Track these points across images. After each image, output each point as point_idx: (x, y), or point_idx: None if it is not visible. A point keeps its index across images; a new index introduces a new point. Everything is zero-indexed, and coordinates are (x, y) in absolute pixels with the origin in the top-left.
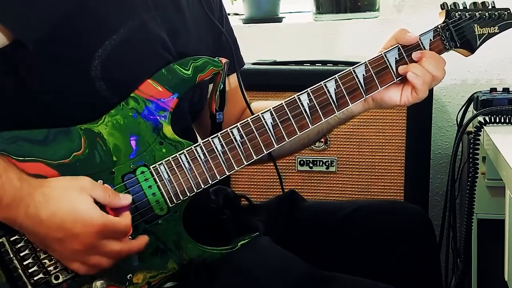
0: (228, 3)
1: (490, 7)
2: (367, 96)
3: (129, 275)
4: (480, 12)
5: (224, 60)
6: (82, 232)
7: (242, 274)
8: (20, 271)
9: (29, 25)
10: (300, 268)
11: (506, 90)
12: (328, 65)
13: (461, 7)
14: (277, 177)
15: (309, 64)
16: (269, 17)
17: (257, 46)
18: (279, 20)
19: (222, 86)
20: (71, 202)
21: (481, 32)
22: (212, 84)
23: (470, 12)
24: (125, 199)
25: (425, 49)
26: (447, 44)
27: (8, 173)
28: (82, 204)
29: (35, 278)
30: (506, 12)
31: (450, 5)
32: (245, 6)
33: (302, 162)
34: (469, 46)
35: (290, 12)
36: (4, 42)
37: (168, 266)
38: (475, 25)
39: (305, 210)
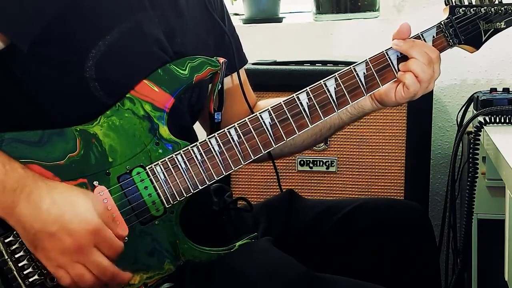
0: (228, 3)
1: (496, 2)
2: (368, 94)
3: None
4: (485, 7)
5: (221, 60)
6: (77, 229)
7: (238, 275)
8: (15, 272)
9: (23, 28)
10: (296, 270)
11: (506, 90)
12: (328, 65)
13: (466, 3)
14: (276, 179)
15: (309, 64)
16: (269, 17)
17: (257, 46)
18: (279, 20)
19: (220, 86)
20: (73, 198)
21: (486, 28)
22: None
23: (475, 8)
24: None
25: None
26: (450, 40)
27: (12, 163)
28: (83, 203)
29: (30, 280)
30: None
31: (454, 1)
32: (245, 6)
33: (302, 162)
34: (474, 42)
35: (290, 12)
36: (0, 46)
37: (165, 267)
38: (480, 20)
39: (304, 210)
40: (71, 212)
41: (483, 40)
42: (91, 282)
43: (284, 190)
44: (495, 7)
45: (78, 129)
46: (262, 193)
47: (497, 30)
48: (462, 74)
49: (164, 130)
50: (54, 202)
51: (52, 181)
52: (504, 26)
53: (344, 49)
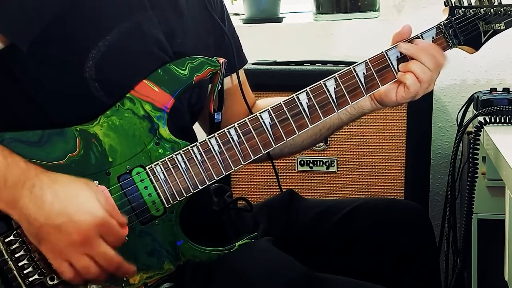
0: (228, 3)
1: (496, 3)
2: (367, 95)
3: (125, 276)
4: (485, 8)
5: (221, 60)
6: (83, 220)
7: (238, 275)
8: (15, 272)
9: (23, 28)
10: (296, 270)
11: (506, 90)
12: (328, 65)
13: (465, 4)
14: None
15: (309, 64)
16: (269, 17)
17: (257, 46)
18: (279, 20)
19: (220, 86)
20: (76, 190)
21: (486, 29)
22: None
23: (474, 9)
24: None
25: None
26: (450, 41)
27: (14, 156)
28: (86, 195)
29: (30, 279)
30: None
31: (454, 2)
32: (245, 6)
33: (302, 162)
34: (474, 43)
35: (290, 12)
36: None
37: (165, 267)
38: (480, 21)
39: (304, 210)
40: (75, 204)
41: (482, 41)
42: (96, 273)
43: (284, 190)
44: (495, 8)
45: (78, 129)
46: (262, 193)
47: (497, 31)
48: (462, 74)
49: (164, 130)
50: (57, 195)
51: (55, 173)
52: (504, 27)
53: (344, 49)
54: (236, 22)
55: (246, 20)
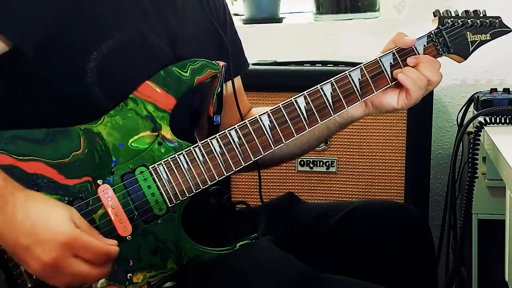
0: (228, 3)
1: (481, 15)
2: (362, 100)
3: (129, 275)
4: (472, 19)
5: (221, 63)
6: (49, 240)
7: (239, 274)
8: (21, 268)
9: (29, 34)
10: (296, 269)
11: (506, 90)
12: (328, 65)
13: (453, 15)
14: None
15: (309, 65)
16: (269, 18)
17: (257, 46)
18: (279, 20)
19: (219, 89)
20: (48, 209)
21: (473, 39)
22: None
23: (462, 19)
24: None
25: (419, 54)
26: (440, 49)
27: None
28: (58, 214)
29: (35, 276)
30: (497, 20)
31: (442, 12)
32: (245, 6)
33: (302, 163)
34: (462, 52)
35: (290, 13)
36: (4, 48)
37: (168, 266)
38: (467, 32)
39: (303, 212)
40: (44, 223)
41: (470, 50)
42: (81, 284)
43: (283, 192)
44: (480, 20)
45: (82, 128)
46: (262, 196)
47: (483, 42)
48: (462, 74)
49: (166, 131)
50: (28, 213)
51: (32, 191)
52: (490, 38)
53: (344, 49)
54: (236, 22)
55: (246, 20)
